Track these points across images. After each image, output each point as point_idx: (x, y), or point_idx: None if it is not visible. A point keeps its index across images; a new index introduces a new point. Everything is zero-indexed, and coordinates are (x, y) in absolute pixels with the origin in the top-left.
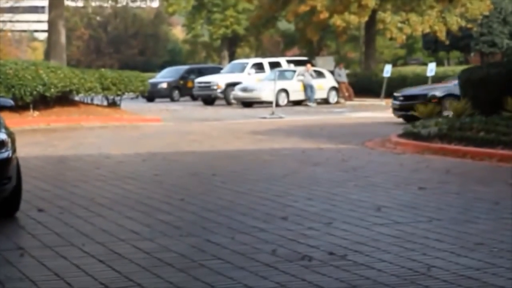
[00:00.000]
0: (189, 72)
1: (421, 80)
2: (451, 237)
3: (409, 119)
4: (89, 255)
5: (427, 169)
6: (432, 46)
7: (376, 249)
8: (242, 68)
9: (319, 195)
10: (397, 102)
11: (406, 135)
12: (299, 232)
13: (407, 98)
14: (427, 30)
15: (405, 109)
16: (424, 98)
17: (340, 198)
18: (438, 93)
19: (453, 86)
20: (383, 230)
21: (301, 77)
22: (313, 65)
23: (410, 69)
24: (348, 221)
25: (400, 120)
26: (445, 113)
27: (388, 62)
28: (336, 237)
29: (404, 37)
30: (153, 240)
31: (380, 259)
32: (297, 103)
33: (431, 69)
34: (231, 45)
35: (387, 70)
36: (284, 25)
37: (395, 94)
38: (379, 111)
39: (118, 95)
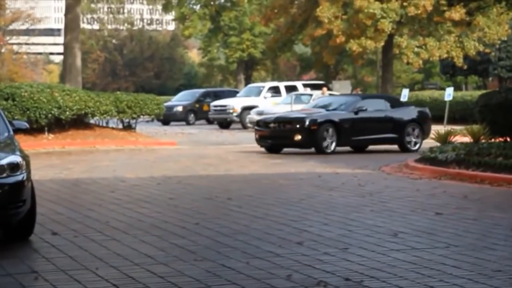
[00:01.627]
0: (205, 95)
1: (439, 105)
2: (469, 264)
3: (276, 148)
4: (103, 279)
5: (444, 195)
6: (450, 71)
7: (393, 275)
8: (258, 92)
9: (335, 220)
10: (264, 129)
11: (423, 160)
12: (314, 257)
13: (280, 123)
14: (445, 55)
15: (277, 137)
16: (300, 124)
17: (356, 223)
18: (319, 119)
19: (327, 112)
20: (400, 256)
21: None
22: (329, 89)
23: (427, 94)
24: (364, 246)
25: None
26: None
27: (405, 87)
28: (352, 263)
29: (420, 62)
30: (167, 264)
31: (396, 285)
32: None
33: (449, 93)
34: (247, 69)
35: (404, 95)
36: (300, 48)
37: (260, 119)
38: None
39: (133, 118)
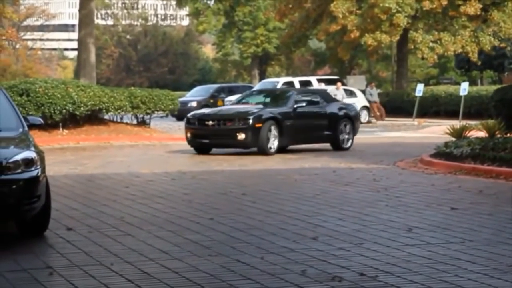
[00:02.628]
0: (219, 90)
1: (454, 99)
2: (484, 259)
3: (207, 149)
4: (118, 274)
5: (459, 190)
6: (465, 65)
7: (407, 270)
8: (272, 87)
9: (350, 215)
10: (199, 127)
11: (438, 155)
12: (329, 252)
13: (219, 120)
14: (459, 50)
15: (216, 136)
16: (244, 121)
17: (371, 218)
18: (264, 115)
19: (269, 108)
20: (415, 251)
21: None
22: (343, 84)
23: (442, 89)
24: (379, 241)
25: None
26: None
27: (420, 82)
28: (367, 258)
29: (435, 57)
30: (182, 259)
31: (411, 280)
32: None
33: (464, 88)
34: (262, 64)
35: (419, 90)
36: (315, 43)
37: (192, 115)
38: (411, 131)
39: (147, 113)
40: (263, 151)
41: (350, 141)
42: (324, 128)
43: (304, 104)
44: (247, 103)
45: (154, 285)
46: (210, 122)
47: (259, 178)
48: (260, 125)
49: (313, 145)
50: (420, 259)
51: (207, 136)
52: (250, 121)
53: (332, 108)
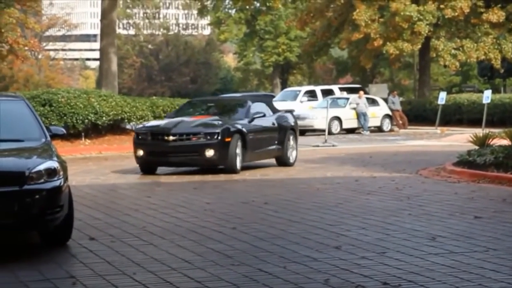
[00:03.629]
0: None
1: (477, 107)
2: (508, 268)
3: (152, 168)
4: (141, 283)
5: (482, 198)
6: (488, 73)
7: (431, 279)
8: (294, 96)
9: (373, 224)
10: (156, 142)
11: (461, 163)
12: (352, 261)
13: (181, 135)
14: (482, 57)
15: (179, 153)
16: (211, 136)
17: (394, 227)
18: (231, 128)
19: (232, 120)
20: (438, 260)
21: (354, 105)
22: (365, 92)
23: (465, 97)
24: (402, 250)
25: (406, 148)
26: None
27: (442, 90)
28: (390, 267)
29: (457, 64)
30: (205, 269)
31: None
32: (350, 131)
33: (487, 96)
34: (283, 73)
35: (442, 98)
36: (336, 52)
37: (143, 129)
38: (434, 139)
39: None
40: (232, 169)
41: (295, 155)
42: (275, 141)
43: (260, 115)
44: (191, 115)
45: None
46: (171, 137)
47: (281, 187)
48: (229, 139)
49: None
50: (444, 268)
51: (166, 153)
52: (219, 135)
53: (281, 119)
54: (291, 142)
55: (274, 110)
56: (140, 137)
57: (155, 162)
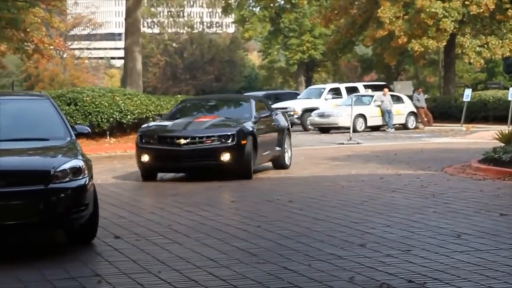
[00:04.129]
0: (266, 98)
1: (503, 104)
2: None
3: (153, 175)
4: (166, 282)
5: (508, 196)
6: None
7: (456, 277)
8: (319, 94)
9: (398, 222)
10: (166, 147)
11: (486, 160)
12: (377, 259)
13: (197, 137)
14: (507, 54)
15: (192, 158)
16: (226, 138)
17: (419, 225)
18: (245, 129)
19: (244, 121)
20: (463, 258)
21: (378, 102)
22: (390, 90)
23: (490, 93)
24: (427, 248)
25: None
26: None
27: (468, 86)
28: (415, 265)
29: (482, 61)
30: (229, 267)
31: (460, 287)
32: (375, 128)
33: None
34: (308, 70)
35: (467, 95)
36: (361, 49)
37: (149, 132)
38: (459, 137)
39: None
40: (248, 174)
41: (291, 156)
42: (278, 142)
43: (266, 114)
44: (193, 116)
45: None
46: (182, 140)
47: (305, 185)
48: (245, 142)
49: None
50: (469, 265)
51: (178, 158)
52: (235, 138)
53: (279, 118)
54: (287, 143)
55: (271, 110)
56: (144, 140)
57: (164, 168)
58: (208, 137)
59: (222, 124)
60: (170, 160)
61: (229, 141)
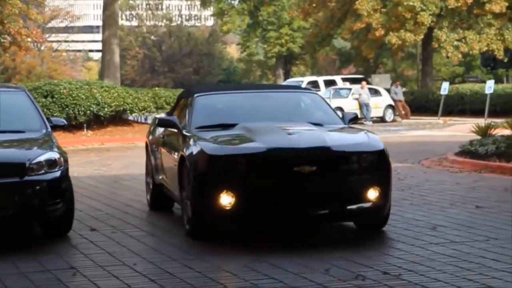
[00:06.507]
0: None
1: (480, 98)
2: (509, 257)
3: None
4: (141, 274)
5: (484, 188)
6: (491, 64)
7: (431, 269)
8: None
9: None
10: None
11: (463, 153)
12: (352, 251)
13: (320, 160)
14: (485, 48)
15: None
16: (366, 158)
17: (395, 217)
18: None
19: None
20: (439, 250)
21: (356, 96)
22: (368, 83)
23: (468, 87)
24: (402, 240)
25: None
26: None
27: (445, 80)
28: (390, 257)
29: (459, 55)
30: (205, 259)
31: (435, 278)
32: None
33: (490, 86)
34: (286, 63)
35: (445, 88)
36: (339, 43)
37: (235, 152)
38: (436, 129)
39: None
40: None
41: None
42: None
43: (353, 116)
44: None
45: (177, 285)
46: (307, 168)
47: None
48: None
49: None
50: (444, 257)
51: (302, 194)
52: (380, 157)
53: None
54: None
55: None
56: (218, 165)
57: (270, 219)
58: (338, 158)
59: (349, 136)
60: (288, 205)
61: (373, 164)
